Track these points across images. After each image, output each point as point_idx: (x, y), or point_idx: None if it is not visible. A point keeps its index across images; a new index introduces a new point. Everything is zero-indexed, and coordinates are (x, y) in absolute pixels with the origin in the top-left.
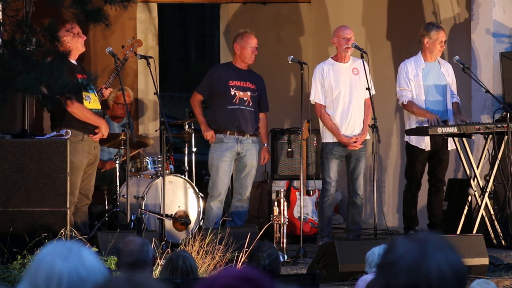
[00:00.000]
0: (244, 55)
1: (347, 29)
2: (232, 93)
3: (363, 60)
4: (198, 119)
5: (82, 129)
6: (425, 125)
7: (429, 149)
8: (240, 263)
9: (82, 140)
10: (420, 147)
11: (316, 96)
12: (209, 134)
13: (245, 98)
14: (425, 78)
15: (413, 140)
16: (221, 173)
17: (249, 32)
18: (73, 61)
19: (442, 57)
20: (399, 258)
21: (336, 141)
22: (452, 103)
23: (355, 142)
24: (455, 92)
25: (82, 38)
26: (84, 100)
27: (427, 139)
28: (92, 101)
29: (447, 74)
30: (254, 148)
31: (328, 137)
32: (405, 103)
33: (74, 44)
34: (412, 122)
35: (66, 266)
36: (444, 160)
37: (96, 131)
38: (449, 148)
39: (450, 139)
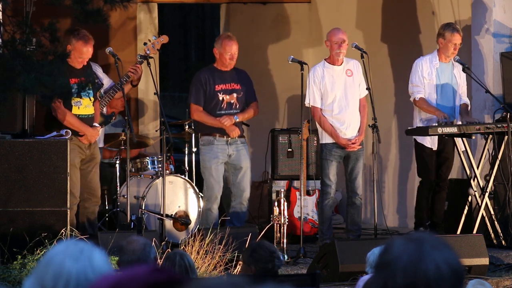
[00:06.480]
0: (222, 62)
1: (339, 33)
2: (220, 98)
3: (363, 60)
4: (213, 123)
5: (70, 130)
6: (433, 124)
7: (436, 148)
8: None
9: (71, 139)
10: (427, 146)
11: (312, 99)
12: (228, 120)
13: (232, 101)
14: (438, 78)
15: (419, 138)
16: (215, 174)
17: (228, 37)
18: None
19: None
20: (395, 259)
21: (335, 141)
22: (461, 104)
23: (353, 143)
24: (465, 95)
25: (83, 59)
26: (73, 106)
27: (434, 137)
28: (82, 107)
29: (459, 76)
30: (244, 148)
31: (326, 138)
32: (417, 99)
33: (73, 55)
34: (416, 121)
35: (76, 267)
36: (449, 159)
37: (81, 139)
38: (461, 149)
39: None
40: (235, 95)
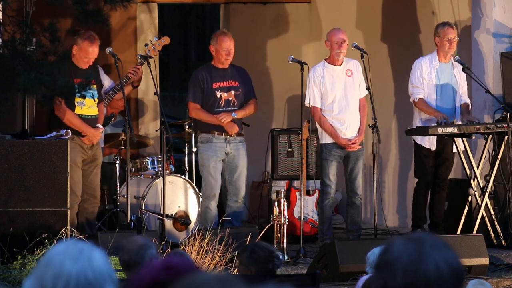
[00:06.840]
0: (218, 58)
1: (339, 33)
2: (218, 95)
3: (363, 60)
4: (210, 121)
5: (71, 129)
6: (432, 125)
7: (434, 149)
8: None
9: (73, 138)
10: (426, 147)
11: (312, 99)
12: (226, 116)
13: (230, 99)
14: (438, 78)
15: (418, 138)
16: (213, 171)
17: (223, 33)
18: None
19: None
20: (395, 259)
21: (335, 141)
22: (461, 104)
23: (353, 143)
24: (465, 95)
25: (88, 59)
26: (76, 106)
27: (432, 138)
28: (85, 107)
29: (459, 76)
30: (242, 147)
31: (326, 138)
32: (416, 100)
33: (78, 55)
34: (416, 121)
35: (75, 267)
36: (449, 160)
37: (83, 139)
38: (454, 150)
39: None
40: (233, 92)
